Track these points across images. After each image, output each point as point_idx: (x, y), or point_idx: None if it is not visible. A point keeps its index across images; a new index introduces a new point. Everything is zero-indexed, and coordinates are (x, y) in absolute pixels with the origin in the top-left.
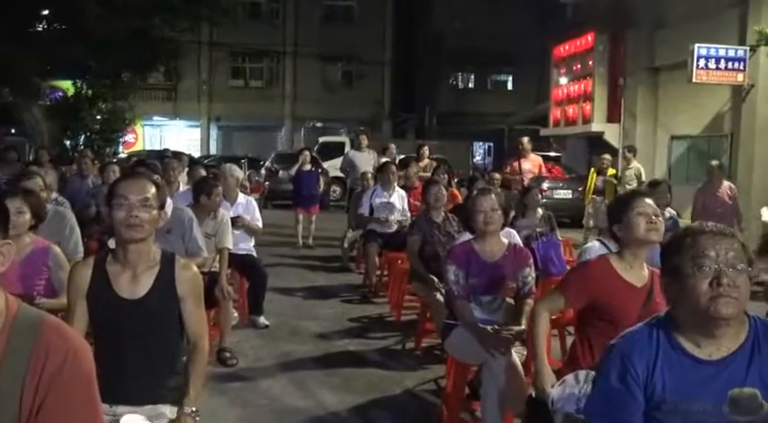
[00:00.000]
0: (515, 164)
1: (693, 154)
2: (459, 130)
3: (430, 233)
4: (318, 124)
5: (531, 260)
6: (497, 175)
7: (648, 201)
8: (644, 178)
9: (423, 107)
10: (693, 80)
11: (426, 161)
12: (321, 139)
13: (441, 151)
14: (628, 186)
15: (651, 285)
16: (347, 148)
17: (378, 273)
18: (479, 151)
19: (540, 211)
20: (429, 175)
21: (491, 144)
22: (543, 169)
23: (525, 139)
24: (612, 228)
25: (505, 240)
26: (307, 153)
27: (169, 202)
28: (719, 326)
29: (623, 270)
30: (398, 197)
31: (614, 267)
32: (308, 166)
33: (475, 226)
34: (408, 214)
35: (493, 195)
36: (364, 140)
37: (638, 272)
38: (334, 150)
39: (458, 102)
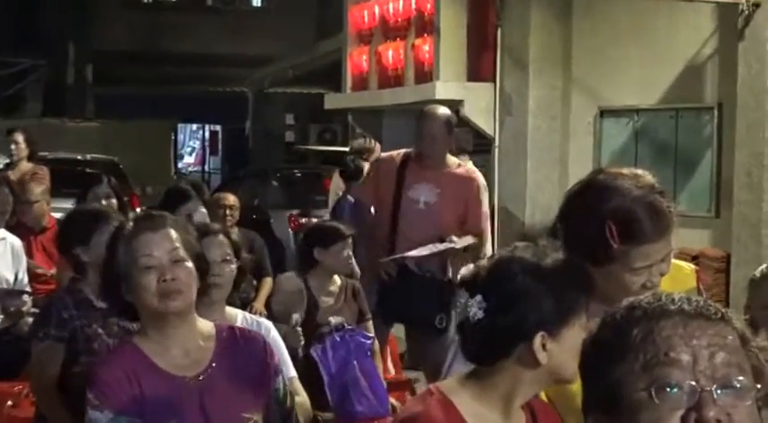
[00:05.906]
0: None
1: (645, 145)
2: (144, 98)
3: (83, 334)
4: None
5: (277, 357)
6: (231, 199)
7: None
8: None
9: (62, 44)
10: None
11: None
12: None
13: (103, 147)
14: None
15: None
16: None
17: None
18: (192, 143)
19: (337, 279)
20: None
21: (218, 128)
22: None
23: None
24: None
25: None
26: None
27: None
28: None
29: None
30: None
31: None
32: None
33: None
34: (28, 288)
35: (221, 236)
36: None
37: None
38: None
39: (142, 35)
